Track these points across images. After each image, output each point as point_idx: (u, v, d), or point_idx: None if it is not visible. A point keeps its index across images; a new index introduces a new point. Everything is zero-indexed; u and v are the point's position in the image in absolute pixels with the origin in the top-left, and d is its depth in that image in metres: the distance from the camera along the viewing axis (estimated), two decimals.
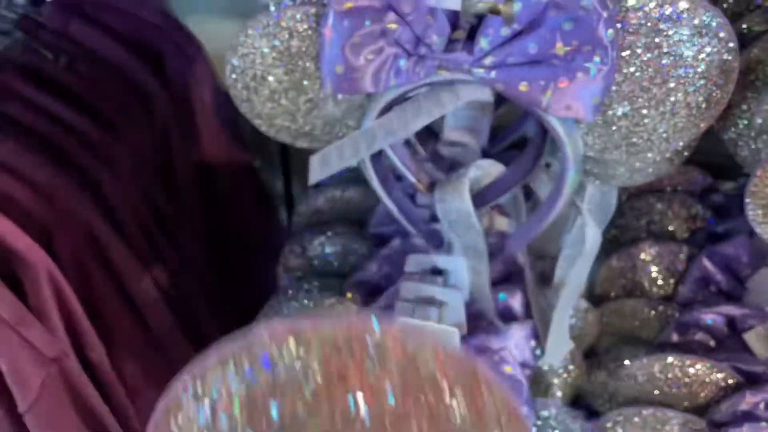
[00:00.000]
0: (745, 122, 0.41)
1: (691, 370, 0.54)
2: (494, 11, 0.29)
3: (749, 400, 0.51)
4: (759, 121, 0.39)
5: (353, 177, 0.62)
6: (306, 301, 0.57)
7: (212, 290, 0.69)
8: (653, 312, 0.62)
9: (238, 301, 0.74)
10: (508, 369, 0.51)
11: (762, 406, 0.51)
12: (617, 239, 0.69)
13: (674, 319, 0.61)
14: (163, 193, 0.60)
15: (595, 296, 0.67)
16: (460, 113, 0.55)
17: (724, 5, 0.45)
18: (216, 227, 0.71)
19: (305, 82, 0.41)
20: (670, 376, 0.54)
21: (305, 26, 0.39)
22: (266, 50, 0.40)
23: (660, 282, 0.64)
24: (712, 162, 0.64)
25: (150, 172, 0.59)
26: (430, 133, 0.58)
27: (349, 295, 0.58)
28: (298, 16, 0.39)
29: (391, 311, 0.55)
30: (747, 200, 0.39)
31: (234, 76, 0.42)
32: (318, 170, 0.44)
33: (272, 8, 0.41)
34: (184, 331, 0.63)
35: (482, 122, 0.54)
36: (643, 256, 0.64)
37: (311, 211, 0.64)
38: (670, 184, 0.68)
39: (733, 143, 0.43)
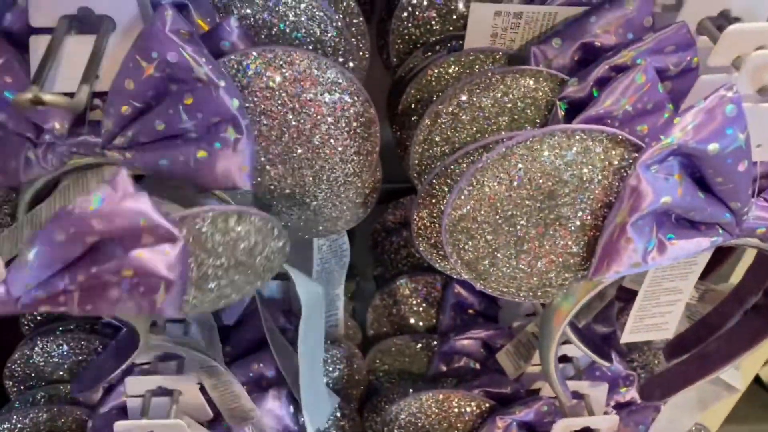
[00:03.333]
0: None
1: (446, 405, 0.53)
2: (37, 102, 0.25)
3: (500, 424, 0.51)
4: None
5: None
6: (33, 415, 0.51)
7: None
8: (419, 345, 0.62)
9: None
10: None
11: (514, 427, 0.52)
12: (383, 276, 0.69)
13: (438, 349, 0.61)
14: None
15: (368, 338, 0.66)
16: None
17: (396, 46, 0.46)
18: None
19: None
20: (428, 413, 0.54)
21: None
22: None
23: (423, 314, 0.64)
24: None
25: None
26: None
27: None
28: None
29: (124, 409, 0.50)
30: (416, 242, 0.38)
31: None
32: None
33: None
34: None
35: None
36: (402, 291, 0.63)
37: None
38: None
39: (418, 179, 0.43)
